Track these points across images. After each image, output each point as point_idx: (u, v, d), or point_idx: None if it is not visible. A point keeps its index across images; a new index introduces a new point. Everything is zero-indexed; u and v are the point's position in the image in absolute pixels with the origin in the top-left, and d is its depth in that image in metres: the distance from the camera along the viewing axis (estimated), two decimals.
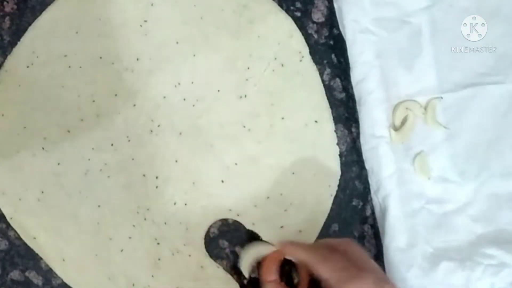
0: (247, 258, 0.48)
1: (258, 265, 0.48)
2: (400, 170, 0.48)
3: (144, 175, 0.49)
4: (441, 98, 0.49)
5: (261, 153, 0.50)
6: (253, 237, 0.49)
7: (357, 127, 0.49)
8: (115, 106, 0.49)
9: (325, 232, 0.50)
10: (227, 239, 0.50)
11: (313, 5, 0.51)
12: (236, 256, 0.50)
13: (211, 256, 0.49)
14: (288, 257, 0.46)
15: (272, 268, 0.46)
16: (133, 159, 0.49)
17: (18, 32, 0.49)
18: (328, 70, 0.51)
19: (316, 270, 0.42)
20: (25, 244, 0.49)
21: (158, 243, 0.49)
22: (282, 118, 0.50)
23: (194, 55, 0.49)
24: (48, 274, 0.49)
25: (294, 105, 0.50)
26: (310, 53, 0.50)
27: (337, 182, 0.50)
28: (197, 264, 0.49)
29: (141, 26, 0.49)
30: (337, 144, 0.50)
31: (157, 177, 0.49)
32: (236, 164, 0.49)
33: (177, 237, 0.49)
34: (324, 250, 0.43)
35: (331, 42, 0.51)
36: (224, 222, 0.50)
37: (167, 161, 0.49)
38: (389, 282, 0.42)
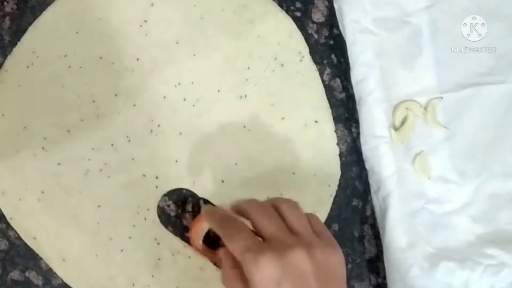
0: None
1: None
2: (400, 170, 0.48)
3: (144, 175, 0.49)
4: (441, 98, 0.49)
5: (261, 153, 0.50)
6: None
7: (357, 127, 0.49)
8: (115, 106, 0.49)
9: None
10: None
11: (313, 5, 0.51)
12: None
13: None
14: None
15: (198, 234, 0.46)
16: (133, 159, 0.49)
17: (18, 32, 0.49)
18: (328, 70, 0.51)
19: (229, 248, 0.41)
20: (25, 244, 0.49)
21: (158, 243, 0.49)
22: (282, 118, 0.50)
23: (194, 55, 0.49)
24: (48, 274, 0.49)
25: (294, 105, 0.50)
26: (310, 53, 0.50)
27: (337, 182, 0.50)
28: (197, 265, 0.49)
29: (141, 26, 0.49)
30: (337, 144, 0.50)
31: (157, 177, 0.49)
32: (236, 164, 0.49)
33: (177, 238, 0.49)
34: (231, 224, 0.41)
35: (331, 42, 0.51)
36: None
37: (167, 161, 0.49)
38: (301, 250, 0.38)
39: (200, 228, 0.47)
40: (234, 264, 0.41)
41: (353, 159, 0.51)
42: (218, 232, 0.42)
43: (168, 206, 0.50)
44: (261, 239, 0.40)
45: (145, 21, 0.49)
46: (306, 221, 0.41)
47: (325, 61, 0.51)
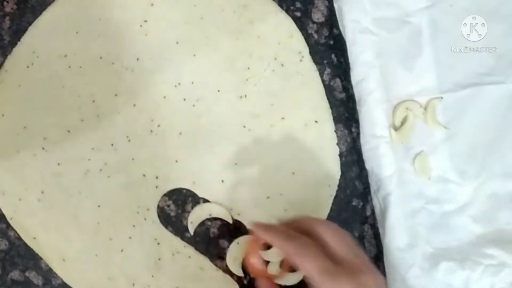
0: (235, 252, 0.48)
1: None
2: (400, 170, 0.48)
3: (144, 175, 0.49)
4: (441, 98, 0.49)
5: (261, 153, 0.50)
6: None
7: (357, 127, 0.49)
8: (115, 106, 0.49)
9: None
10: (227, 239, 0.50)
11: (313, 5, 0.51)
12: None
13: (211, 257, 0.49)
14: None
15: (254, 250, 0.45)
16: (133, 159, 0.49)
17: (18, 32, 0.49)
18: (328, 70, 0.51)
19: (293, 263, 0.41)
20: (25, 244, 0.49)
21: (158, 243, 0.49)
22: (282, 118, 0.50)
23: (194, 55, 0.49)
24: (48, 274, 0.49)
25: (294, 105, 0.50)
26: (310, 53, 0.50)
27: (337, 182, 0.50)
28: (197, 265, 0.49)
29: (141, 26, 0.49)
30: (337, 144, 0.50)
31: (157, 177, 0.49)
32: (236, 164, 0.49)
33: (177, 238, 0.49)
34: (300, 241, 0.41)
35: (331, 42, 0.51)
36: (224, 222, 0.50)
37: (167, 161, 0.49)
38: (370, 273, 0.40)
39: (255, 244, 0.45)
40: None
41: (353, 159, 0.51)
42: (281, 249, 0.42)
43: (168, 206, 0.50)
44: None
45: (145, 21, 0.49)
46: (359, 247, 0.43)
47: (325, 61, 0.51)
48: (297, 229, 0.43)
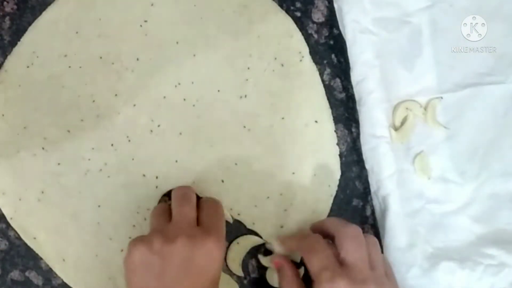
0: (235, 252, 0.49)
1: (257, 262, 0.49)
2: (400, 170, 0.48)
3: (144, 175, 0.49)
4: (441, 98, 0.49)
5: (261, 153, 0.50)
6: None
7: (357, 127, 0.49)
8: (115, 106, 0.49)
9: None
10: (227, 239, 0.50)
11: (313, 5, 0.51)
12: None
13: None
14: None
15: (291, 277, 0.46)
16: (133, 159, 0.49)
17: (18, 32, 0.49)
18: (328, 70, 0.51)
19: (305, 259, 0.43)
20: (25, 244, 0.49)
21: None
22: (282, 118, 0.50)
23: (194, 55, 0.49)
24: (48, 274, 0.49)
25: (294, 105, 0.50)
26: (310, 53, 0.50)
27: (337, 182, 0.50)
28: None
29: (141, 26, 0.49)
30: (337, 144, 0.50)
31: (157, 177, 0.49)
32: (236, 164, 0.49)
33: None
34: (311, 239, 0.44)
35: (331, 42, 0.51)
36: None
37: (167, 161, 0.49)
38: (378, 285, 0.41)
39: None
40: (295, 272, 0.45)
41: (353, 159, 0.51)
42: (297, 248, 0.45)
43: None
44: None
45: (145, 21, 0.49)
46: (383, 260, 0.44)
47: (325, 61, 0.51)
48: (322, 231, 0.45)
